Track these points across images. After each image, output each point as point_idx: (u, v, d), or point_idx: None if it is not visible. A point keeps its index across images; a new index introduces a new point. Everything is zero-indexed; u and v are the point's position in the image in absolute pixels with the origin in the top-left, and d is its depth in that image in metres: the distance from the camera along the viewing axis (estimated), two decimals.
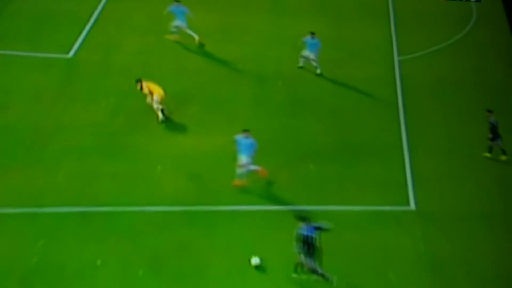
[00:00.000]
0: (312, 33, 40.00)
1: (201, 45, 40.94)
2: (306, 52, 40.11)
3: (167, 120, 34.66)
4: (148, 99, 34.82)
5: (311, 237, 25.26)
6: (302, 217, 25.67)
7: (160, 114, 34.64)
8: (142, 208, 29.70)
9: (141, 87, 34.73)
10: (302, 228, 25.48)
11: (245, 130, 31.18)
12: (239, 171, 30.88)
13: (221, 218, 29.60)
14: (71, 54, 38.85)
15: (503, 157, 33.88)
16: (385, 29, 45.43)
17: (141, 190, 30.63)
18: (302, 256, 25.68)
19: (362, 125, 36.30)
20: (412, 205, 30.99)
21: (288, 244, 27.13)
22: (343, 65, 41.17)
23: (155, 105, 34.64)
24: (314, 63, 40.16)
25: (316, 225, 25.45)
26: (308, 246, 25.30)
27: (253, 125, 34.35)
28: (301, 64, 40.37)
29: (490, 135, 33.70)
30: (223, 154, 32.12)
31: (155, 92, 34.61)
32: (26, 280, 26.29)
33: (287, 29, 43.27)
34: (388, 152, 34.31)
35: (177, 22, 40.91)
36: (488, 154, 33.93)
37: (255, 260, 27.29)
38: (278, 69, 40.14)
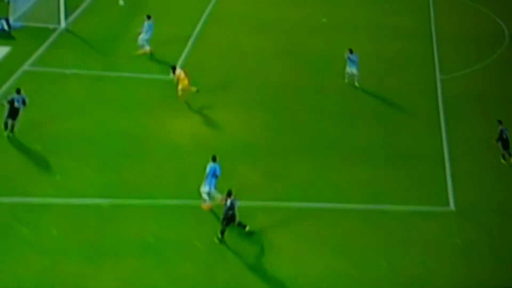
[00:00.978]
0: (351, 50, 43.60)
1: (151, 54, 46.38)
2: (348, 68, 43.86)
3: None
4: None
5: (232, 207, 31.09)
6: (229, 193, 31.17)
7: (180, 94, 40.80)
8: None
9: (174, 71, 40.89)
10: (228, 201, 31.18)
11: (213, 157, 33.08)
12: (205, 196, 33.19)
13: (290, 213, 33.54)
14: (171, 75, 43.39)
15: (503, 161, 37.47)
16: (427, 49, 49.24)
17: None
18: (224, 222, 31.24)
19: (406, 132, 40.07)
20: (452, 205, 34.43)
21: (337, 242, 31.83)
22: (388, 79, 45.19)
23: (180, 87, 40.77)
24: (355, 78, 43.65)
25: (236, 200, 31.22)
26: (231, 213, 31.07)
27: (312, 129, 39.69)
28: (346, 80, 44.10)
29: (499, 141, 37.15)
30: (285, 154, 36.66)
31: (180, 82, 40.70)
32: (146, 255, 30.63)
33: (341, 47, 46.29)
34: (430, 157, 37.92)
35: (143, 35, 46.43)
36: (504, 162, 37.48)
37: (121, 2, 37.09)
38: (331, 82, 44.42)
